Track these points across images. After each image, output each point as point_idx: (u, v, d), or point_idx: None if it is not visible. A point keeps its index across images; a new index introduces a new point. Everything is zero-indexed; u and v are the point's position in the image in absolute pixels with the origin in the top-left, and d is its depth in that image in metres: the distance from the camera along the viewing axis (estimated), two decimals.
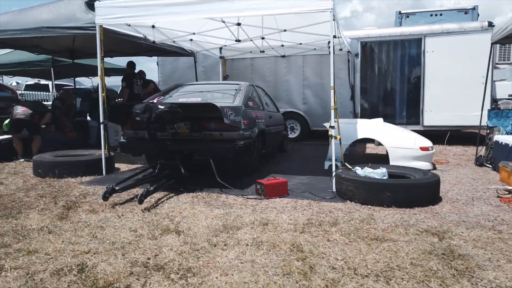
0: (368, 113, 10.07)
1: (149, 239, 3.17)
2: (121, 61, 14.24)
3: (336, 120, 4.93)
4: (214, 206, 4.14)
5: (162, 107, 4.50)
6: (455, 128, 9.52)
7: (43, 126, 7.59)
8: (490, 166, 6.39)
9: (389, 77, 10.09)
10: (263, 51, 9.09)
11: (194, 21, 7.08)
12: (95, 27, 5.94)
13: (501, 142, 5.98)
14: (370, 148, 8.91)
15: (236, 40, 7.37)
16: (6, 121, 7.46)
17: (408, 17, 11.76)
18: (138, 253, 2.88)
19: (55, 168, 5.55)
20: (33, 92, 17.31)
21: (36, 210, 4.03)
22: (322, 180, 5.32)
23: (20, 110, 6.96)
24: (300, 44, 8.72)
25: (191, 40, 8.49)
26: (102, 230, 3.39)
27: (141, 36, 7.17)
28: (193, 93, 5.98)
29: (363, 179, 4.31)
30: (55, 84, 14.35)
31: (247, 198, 4.49)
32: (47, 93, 17.09)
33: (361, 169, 4.71)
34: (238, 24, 6.96)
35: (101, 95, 5.92)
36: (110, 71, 13.18)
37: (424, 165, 6.03)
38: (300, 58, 10.41)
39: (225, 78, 10.91)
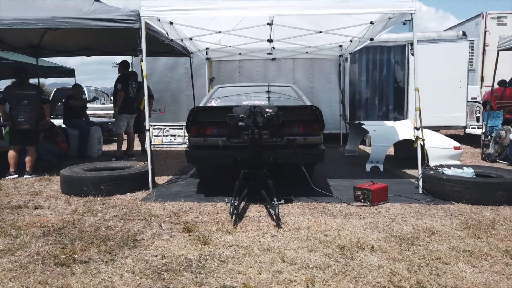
0: (357, 116, 10.40)
1: (346, 258, 2.77)
2: (64, 61, 12.57)
3: (420, 122, 4.91)
4: (334, 216, 3.82)
5: (270, 110, 4.03)
6: (437, 128, 10.26)
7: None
8: (506, 163, 6.97)
9: (377, 81, 10.51)
10: (270, 53, 8.80)
11: (223, 18, 6.58)
12: (136, 20, 5.16)
13: None
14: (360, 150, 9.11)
15: (268, 40, 6.99)
16: (5, 130, 6.11)
17: None
18: (375, 275, 2.49)
19: (101, 185, 4.65)
20: None
21: (155, 237, 3.30)
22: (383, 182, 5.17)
23: (23, 119, 5.73)
24: (310, 47, 8.62)
25: (190, 39, 7.88)
26: (276, 252, 2.88)
27: (164, 32, 6.42)
28: (249, 95, 5.50)
29: (475, 179, 4.36)
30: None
31: (356, 206, 4.24)
32: None
33: (449, 169, 4.78)
34: (270, 24, 6.61)
35: (147, 98, 5.17)
36: (50, 71, 11.40)
37: (457, 163, 6.35)
38: (290, 61, 10.33)
39: (211, 80, 10.37)
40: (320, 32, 6.99)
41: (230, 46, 8.52)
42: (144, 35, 5.13)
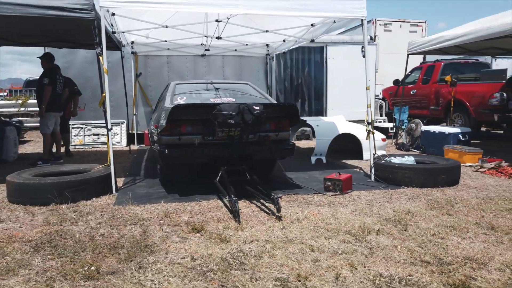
0: None
1: (361, 242, 3.08)
2: None
3: (371, 117, 5.51)
4: (320, 206, 4.14)
5: (258, 108, 4.11)
6: (351, 121, 11.39)
7: None
8: (418, 151, 8.15)
9: (299, 79, 11.21)
10: (208, 49, 8.76)
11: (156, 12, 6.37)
12: (91, 10, 4.76)
13: (433, 131, 7.76)
14: (302, 143, 9.77)
15: (217, 37, 6.97)
16: None
17: None
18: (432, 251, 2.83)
19: (64, 191, 4.21)
20: None
21: (167, 240, 3.17)
22: (328, 173, 5.53)
23: None
24: (247, 45, 8.82)
25: (123, 32, 7.49)
26: (299, 242, 3.05)
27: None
28: (213, 93, 5.47)
29: (421, 166, 5.07)
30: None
31: (332, 195, 4.61)
32: None
33: (395, 158, 5.47)
34: (219, 21, 6.65)
35: (107, 93, 4.83)
36: None
37: (383, 153, 7.26)
38: (219, 58, 10.40)
39: (138, 76, 9.91)
40: (267, 31, 7.24)
41: (166, 41, 8.27)
42: (103, 26, 4.77)
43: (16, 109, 12.57)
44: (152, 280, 2.48)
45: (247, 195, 4.35)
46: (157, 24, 6.85)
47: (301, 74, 11.16)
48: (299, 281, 2.46)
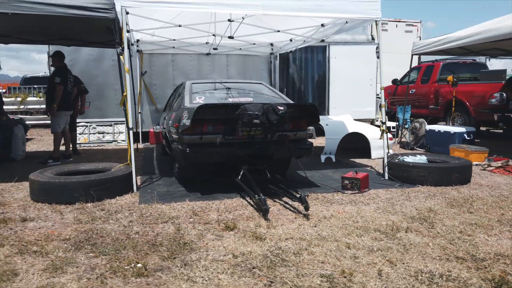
0: None
1: (393, 239, 3.18)
2: None
3: (384, 117, 5.63)
4: (342, 204, 4.24)
5: (282, 108, 4.19)
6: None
7: None
8: (423, 150, 8.31)
9: (302, 79, 11.31)
10: (216, 48, 8.80)
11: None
12: (111, 9, 4.79)
13: (438, 131, 7.92)
14: None
15: (229, 37, 7.02)
16: None
17: None
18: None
19: (90, 189, 4.25)
20: None
21: (203, 238, 3.23)
22: (342, 172, 5.68)
23: None
24: (254, 44, 8.88)
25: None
26: (333, 240, 3.14)
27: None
28: (230, 92, 5.52)
29: (435, 165, 5.21)
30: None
31: (351, 193, 4.72)
32: None
33: (408, 157, 5.60)
34: (231, 20, 6.69)
35: (129, 94, 4.85)
36: None
37: (391, 152, 7.40)
38: (224, 57, 10.44)
39: (143, 74, 9.91)
40: (278, 31, 7.30)
41: (174, 40, 8.28)
42: (125, 26, 4.79)
43: (15, 107, 12.46)
44: (202, 277, 2.55)
45: (269, 194, 4.43)
46: (170, 23, 6.86)
47: (304, 73, 11.26)
48: (345, 277, 2.55)
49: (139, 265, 2.72)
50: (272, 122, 4.18)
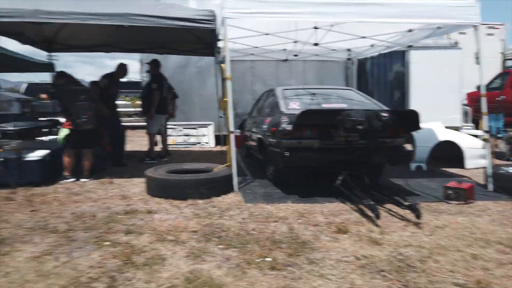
0: None
1: None
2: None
3: (486, 126, 5.39)
4: (451, 215, 4.12)
5: (386, 114, 4.22)
6: None
7: None
8: None
9: (380, 84, 11.10)
10: (297, 55, 8.97)
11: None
12: (214, 21, 5.11)
13: None
14: None
15: (314, 44, 7.17)
16: (63, 133, 5.64)
17: None
18: None
19: (200, 188, 4.56)
20: None
21: (319, 239, 3.35)
22: (438, 181, 5.59)
23: (85, 118, 5.35)
24: (334, 50, 8.90)
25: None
26: (456, 250, 3.09)
27: None
28: (323, 98, 5.62)
29: None
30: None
31: (457, 204, 4.57)
32: None
33: None
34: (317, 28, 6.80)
35: (230, 98, 5.14)
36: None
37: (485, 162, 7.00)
38: (301, 63, 10.57)
39: (223, 80, 10.29)
40: (364, 37, 7.29)
41: (256, 47, 8.55)
42: (227, 36, 5.09)
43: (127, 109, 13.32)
44: (334, 275, 2.65)
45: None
46: (259, 32, 7.11)
47: (381, 79, 11.05)
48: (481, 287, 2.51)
49: (268, 259, 2.89)
50: (375, 129, 4.20)
